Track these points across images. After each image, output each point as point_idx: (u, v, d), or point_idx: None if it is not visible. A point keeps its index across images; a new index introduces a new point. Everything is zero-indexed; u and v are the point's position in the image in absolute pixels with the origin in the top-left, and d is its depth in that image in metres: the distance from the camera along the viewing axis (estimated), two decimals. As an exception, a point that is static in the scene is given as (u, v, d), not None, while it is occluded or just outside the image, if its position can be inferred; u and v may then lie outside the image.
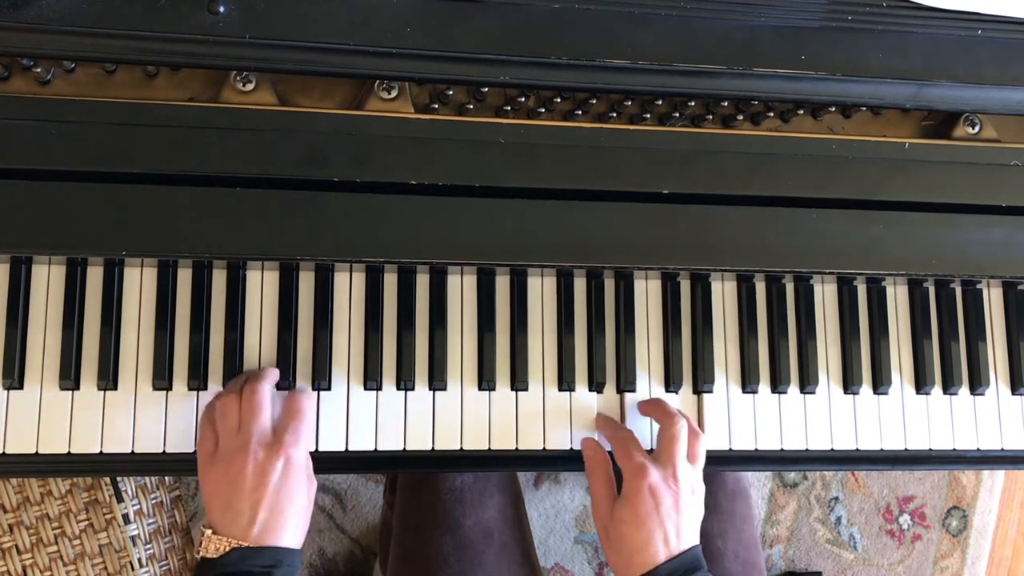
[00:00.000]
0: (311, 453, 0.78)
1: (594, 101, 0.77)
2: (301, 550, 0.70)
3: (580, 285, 0.83)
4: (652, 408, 0.80)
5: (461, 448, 0.80)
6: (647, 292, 0.85)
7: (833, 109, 0.80)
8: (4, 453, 0.75)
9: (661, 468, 0.74)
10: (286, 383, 0.78)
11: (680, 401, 0.84)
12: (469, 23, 0.70)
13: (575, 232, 0.73)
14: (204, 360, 0.77)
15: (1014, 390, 0.89)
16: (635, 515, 0.72)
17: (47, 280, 0.76)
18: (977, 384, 0.88)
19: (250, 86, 0.72)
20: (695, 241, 0.74)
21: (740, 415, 0.84)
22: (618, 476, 0.77)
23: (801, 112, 0.80)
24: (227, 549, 0.67)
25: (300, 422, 0.72)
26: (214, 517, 0.69)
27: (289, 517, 0.68)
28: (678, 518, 0.73)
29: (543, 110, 0.76)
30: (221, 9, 0.66)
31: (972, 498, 1.63)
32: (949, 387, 0.87)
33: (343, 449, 0.79)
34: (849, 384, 0.86)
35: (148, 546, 1.02)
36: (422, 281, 0.81)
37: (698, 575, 0.72)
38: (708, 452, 0.81)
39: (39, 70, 0.71)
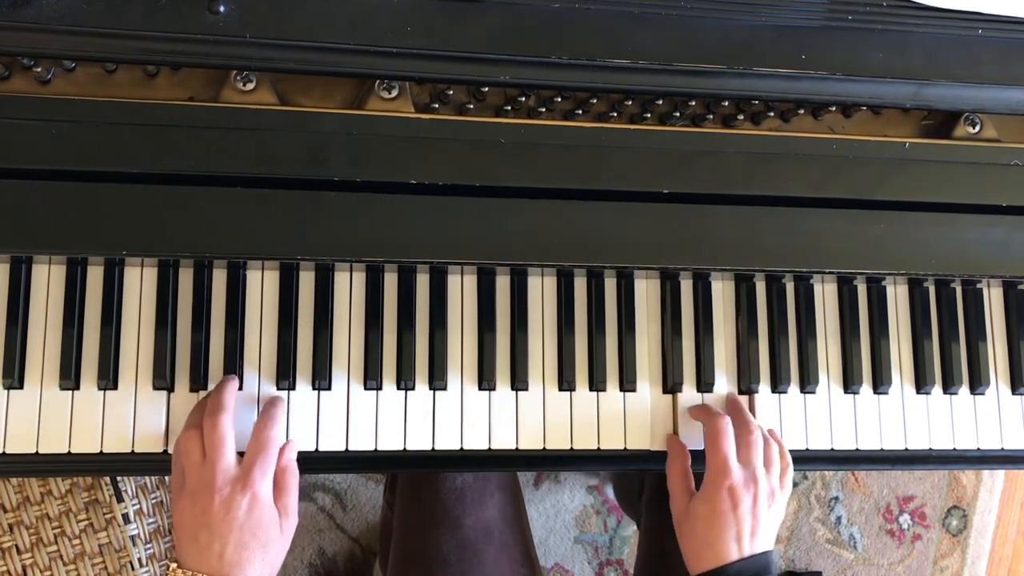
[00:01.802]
0: (311, 454, 0.78)
1: (594, 101, 0.77)
2: None
3: (580, 285, 0.83)
4: (732, 410, 0.81)
5: (461, 448, 0.80)
6: (647, 292, 0.85)
7: (833, 109, 0.80)
8: (4, 453, 0.75)
9: (742, 469, 0.75)
10: (286, 383, 0.78)
11: (681, 401, 0.84)
12: (469, 23, 0.70)
13: (575, 232, 0.73)
14: (204, 360, 0.77)
15: (1014, 390, 0.89)
16: (711, 512, 0.74)
17: (47, 280, 0.76)
18: (977, 384, 0.88)
19: (250, 86, 0.72)
20: (695, 241, 0.75)
21: (740, 415, 0.84)
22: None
23: (801, 112, 0.80)
24: None
25: (268, 456, 0.71)
26: (180, 550, 0.69)
27: (255, 551, 0.68)
28: (753, 521, 0.74)
29: (543, 110, 0.76)
30: (221, 9, 0.66)
31: (972, 498, 1.63)
32: (949, 387, 0.87)
33: (343, 449, 0.79)
34: (849, 384, 0.86)
35: (148, 546, 1.02)
36: (422, 281, 0.81)
37: None
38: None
39: (39, 70, 0.71)
